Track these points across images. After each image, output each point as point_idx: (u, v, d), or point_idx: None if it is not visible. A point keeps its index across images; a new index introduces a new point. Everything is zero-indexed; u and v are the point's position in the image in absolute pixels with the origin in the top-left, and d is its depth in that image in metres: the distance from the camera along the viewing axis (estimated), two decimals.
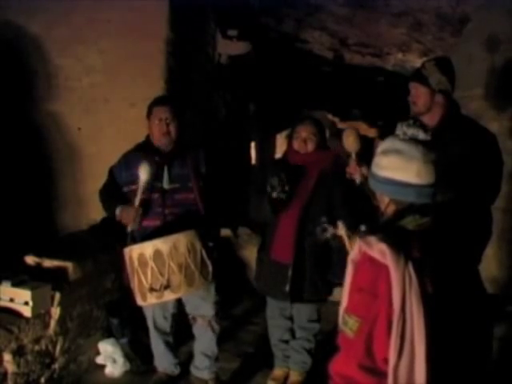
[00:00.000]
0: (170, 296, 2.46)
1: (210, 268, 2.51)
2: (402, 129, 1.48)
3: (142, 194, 2.60)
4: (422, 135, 1.46)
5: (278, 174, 2.66)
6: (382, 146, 1.51)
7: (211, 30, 4.69)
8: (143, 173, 2.56)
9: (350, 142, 2.48)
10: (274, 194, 2.65)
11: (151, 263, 2.38)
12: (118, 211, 2.68)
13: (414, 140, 1.45)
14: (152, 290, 2.39)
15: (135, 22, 3.72)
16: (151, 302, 2.47)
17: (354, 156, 2.47)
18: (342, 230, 2.29)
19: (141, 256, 2.41)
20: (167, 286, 2.39)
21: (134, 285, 2.47)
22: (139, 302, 2.51)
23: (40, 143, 3.85)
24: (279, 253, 2.78)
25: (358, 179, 2.45)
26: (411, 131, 1.46)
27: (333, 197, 2.74)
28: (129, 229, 2.66)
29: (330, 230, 2.35)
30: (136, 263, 2.42)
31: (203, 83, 4.57)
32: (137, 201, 2.60)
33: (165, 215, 2.67)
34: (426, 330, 1.26)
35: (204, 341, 2.89)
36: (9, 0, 3.83)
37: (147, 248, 2.41)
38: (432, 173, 1.40)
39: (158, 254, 2.38)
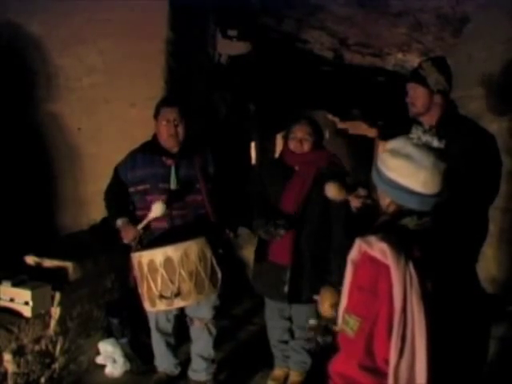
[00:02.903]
0: (179, 304, 2.44)
1: (220, 275, 2.49)
2: (417, 133, 1.46)
3: (147, 223, 2.58)
4: (436, 143, 1.44)
5: (271, 220, 2.67)
6: (394, 144, 1.49)
7: (211, 30, 4.68)
8: (156, 211, 2.53)
9: (334, 195, 2.49)
10: (266, 235, 2.69)
11: (161, 270, 2.35)
12: (119, 223, 2.66)
13: (426, 147, 1.43)
14: (162, 297, 2.37)
15: (135, 22, 3.72)
16: (160, 308, 2.46)
17: (347, 197, 2.46)
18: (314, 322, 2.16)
19: (151, 262, 2.38)
20: (177, 294, 2.37)
21: (143, 290, 2.45)
22: (148, 307, 2.49)
23: (40, 143, 3.85)
24: (277, 254, 2.78)
25: (369, 202, 2.42)
26: (426, 137, 1.45)
27: None
28: (125, 241, 2.66)
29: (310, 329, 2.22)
30: (146, 269, 2.39)
31: (203, 83, 4.57)
32: (140, 225, 2.59)
33: (172, 217, 2.65)
34: (426, 329, 1.26)
35: (201, 343, 2.89)
36: (9, 0, 3.83)
37: (158, 255, 2.38)
38: (438, 183, 1.40)
39: (168, 262, 2.35)
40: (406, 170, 1.41)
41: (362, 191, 2.36)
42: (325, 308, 2.27)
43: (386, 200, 1.49)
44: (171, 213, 2.65)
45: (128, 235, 2.62)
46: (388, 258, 1.28)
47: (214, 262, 2.47)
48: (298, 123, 2.83)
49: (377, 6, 4.22)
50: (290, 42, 5.46)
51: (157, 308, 2.45)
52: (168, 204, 2.59)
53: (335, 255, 2.67)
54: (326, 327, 2.02)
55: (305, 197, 2.74)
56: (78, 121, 3.86)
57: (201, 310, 2.82)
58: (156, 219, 2.61)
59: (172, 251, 2.37)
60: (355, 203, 2.43)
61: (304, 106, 8.50)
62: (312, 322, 2.04)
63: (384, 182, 1.46)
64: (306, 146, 2.79)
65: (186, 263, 2.37)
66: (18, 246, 2.97)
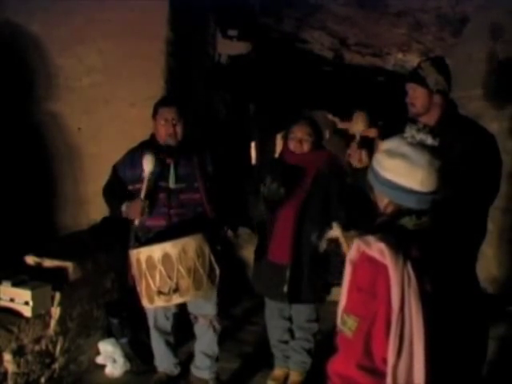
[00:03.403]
0: (177, 300, 2.44)
1: (218, 272, 2.50)
2: (410, 132, 1.46)
3: (147, 186, 2.57)
4: (430, 141, 1.45)
5: (273, 172, 2.65)
6: (388, 144, 1.49)
7: (211, 30, 4.69)
8: (147, 163, 2.54)
9: (359, 122, 2.49)
10: (268, 193, 2.64)
11: (160, 266, 2.36)
12: (124, 207, 2.65)
13: (421, 145, 1.44)
14: (160, 293, 2.38)
15: (135, 22, 3.72)
16: (158, 304, 2.47)
17: (357, 138, 2.45)
18: (336, 231, 2.18)
19: (149, 259, 2.38)
20: (176, 290, 2.38)
21: (141, 287, 2.45)
22: (146, 304, 2.49)
23: (40, 143, 3.85)
24: (277, 254, 2.78)
25: (355, 163, 2.43)
26: (420, 136, 1.45)
27: (329, 196, 2.75)
28: (136, 223, 2.64)
29: (326, 235, 2.24)
30: (144, 266, 2.40)
31: (203, 83, 4.57)
32: (142, 193, 2.57)
33: (170, 215, 2.66)
34: (424, 329, 1.26)
35: (205, 340, 2.90)
36: (9, 0, 3.83)
37: (156, 251, 2.39)
38: (435, 181, 1.40)
39: (166, 258, 2.36)
40: (402, 169, 1.41)
41: (364, 155, 2.37)
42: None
43: (383, 201, 1.49)
44: (169, 211, 2.66)
45: (136, 209, 2.59)
46: (386, 258, 1.28)
47: (212, 258, 2.49)
48: (298, 123, 2.84)
49: (377, 6, 4.23)
50: (290, 42, 5.47)
51: (155, 304, 2.46)
52: (168, 204, 2.62)
53: (334, 254, 2.66)
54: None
55: (305, 197, 2.74)
56: (77, 121, 3.86)
57: (204, 307, 2.82)
58: (153, 217, 2.63)
59: (170, 247, 2.38)
60: (352, 153, 2.43)
61: (304, 106, 8.50)
62: (335, 227, 2.04)
63: (381, 182, 1.47)
64: (306, 146, 2.80)
65: (184, 259, 2.38)
66: (18, 245, 2.97)
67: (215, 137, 4.59)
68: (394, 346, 1.26)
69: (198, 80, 4.43)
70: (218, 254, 2.56)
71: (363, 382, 1.29)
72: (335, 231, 2.07)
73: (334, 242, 2.13)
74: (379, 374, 1.29)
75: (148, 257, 2.39)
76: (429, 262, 1.34)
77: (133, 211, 2.62)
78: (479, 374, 1.86)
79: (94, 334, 3.14)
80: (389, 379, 1.27)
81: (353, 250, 1.40)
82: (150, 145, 2.76)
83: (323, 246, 2.21)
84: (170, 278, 2.37)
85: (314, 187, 2.74)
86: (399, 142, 1.47)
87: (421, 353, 1.26)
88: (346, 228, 2.10)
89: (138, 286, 2.49)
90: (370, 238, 1.34)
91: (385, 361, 1.28)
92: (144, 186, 2.58)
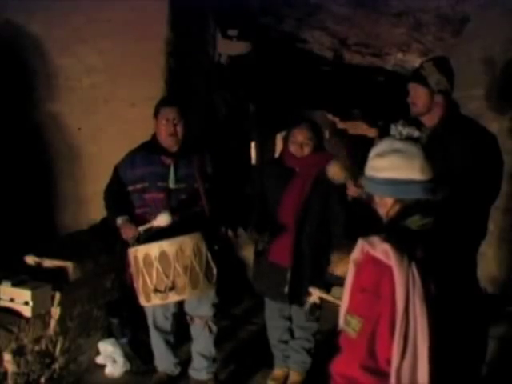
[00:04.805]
0: (174, 298, 2.46)
1: (215, 271, 2.52)
2: (396, 129, 1.50)
3: (148, 227, 2.60)
4: (416, 133, 1.49)
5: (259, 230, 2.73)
6: (377, 148, 1.51)
7: (211, 30, 4.69)
8: (161, 220, 2.54)
9: (334, 174, 2.48)
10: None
11: (156, 264, 2.38)
12: (119, 221, 2.68)
13: (410, 139, 1.48)
14: (156, 291, 2.40)
15: (135, 22, 3.72)
16: (155, 302, 2.48)
17: (348, 182, 2.44)
18: (315, 295, 2.17)
19: (146, 256, 2.40)
20: (172, 288, 2.39)
21: (138, 285, 2.47)
22: (142, 302, 2.51)
23: (40, 143, 3.85)
24: (277, 255, 2.78)
25: (363, 195, 2.42)
26: (407, 130, 1.49)
27: (329, 199, 2.74)
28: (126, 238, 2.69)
29: (308, 303, 2.26)
30: (141, 263, 2.42)
31: (203, 83, 4.57)
32: (141, 227, 2.60)
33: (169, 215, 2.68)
34: (428, 330, 1.26)
35: (201, 341, 2.90)
36: (9, 0, 3.83)
37: (153, 249, 2.41)
38: (432, 168, 1.43)
39: (163, 256, 2.38)
40: (400, 163, 1.43)
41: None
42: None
43: (387, 203, 1.48)
44: (169, 211, 2.66)
45: (128, 234, 2.65)
46: (391, 259, 1.28)
47: (210, 257, 2.50)
48: (299, 127, 2.82)
49: (377, 6, 4.23)
50: (290, 42, 5.47)
51: (152, 302, 2.47)
52: (167, 204, 2.64)
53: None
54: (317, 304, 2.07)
55: (305, 198, 2.74)
56: (77, 121, 3.86)
57: (201, 308, 2.83)
58: (153, 217, 2.63)
59: (167, 245, 2.40)
60: (352, 191, 2.43)
61: (304, 106, 8.51)
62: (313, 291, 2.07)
63: (381, 184, 1.47)
64: (307, 150, 2.79)
65: (181, 258, 2.39)
66: (18, 245, 2.97)
67: (215, 137, 4.59)
68: (398, 347, 1.26)
69: (198, 80, 4.43)
70: (216, 253, 2.57)
71: (366, 383, 1.29)
72: (314, 296, 2.08)
73: (319, 303, 2.14)
74: (383, 375, 1.29)
75: (145, 254, 2.41)
76: (432, 263, 1.34)
77: (124, 232, 2.66)
78: (479, 374, 1.86)
79: (94, 334, 3.14)
80: (392, 380, 1.27)
81: (356, 250, 1.40)
82: (150, 145, 2.78)
83: (309, 310, 2.23)
84: (166, 275, 2.39)
85: (315, 190, 2.74)
86: (388, 142, 1.50)
87: (425, 353, 1.26)
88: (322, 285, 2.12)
89: (135, 283, 2.51)
90: (375, 239, 1.34)
91: (388, 361, 1.28)
92: (146, 226, 2.59)
